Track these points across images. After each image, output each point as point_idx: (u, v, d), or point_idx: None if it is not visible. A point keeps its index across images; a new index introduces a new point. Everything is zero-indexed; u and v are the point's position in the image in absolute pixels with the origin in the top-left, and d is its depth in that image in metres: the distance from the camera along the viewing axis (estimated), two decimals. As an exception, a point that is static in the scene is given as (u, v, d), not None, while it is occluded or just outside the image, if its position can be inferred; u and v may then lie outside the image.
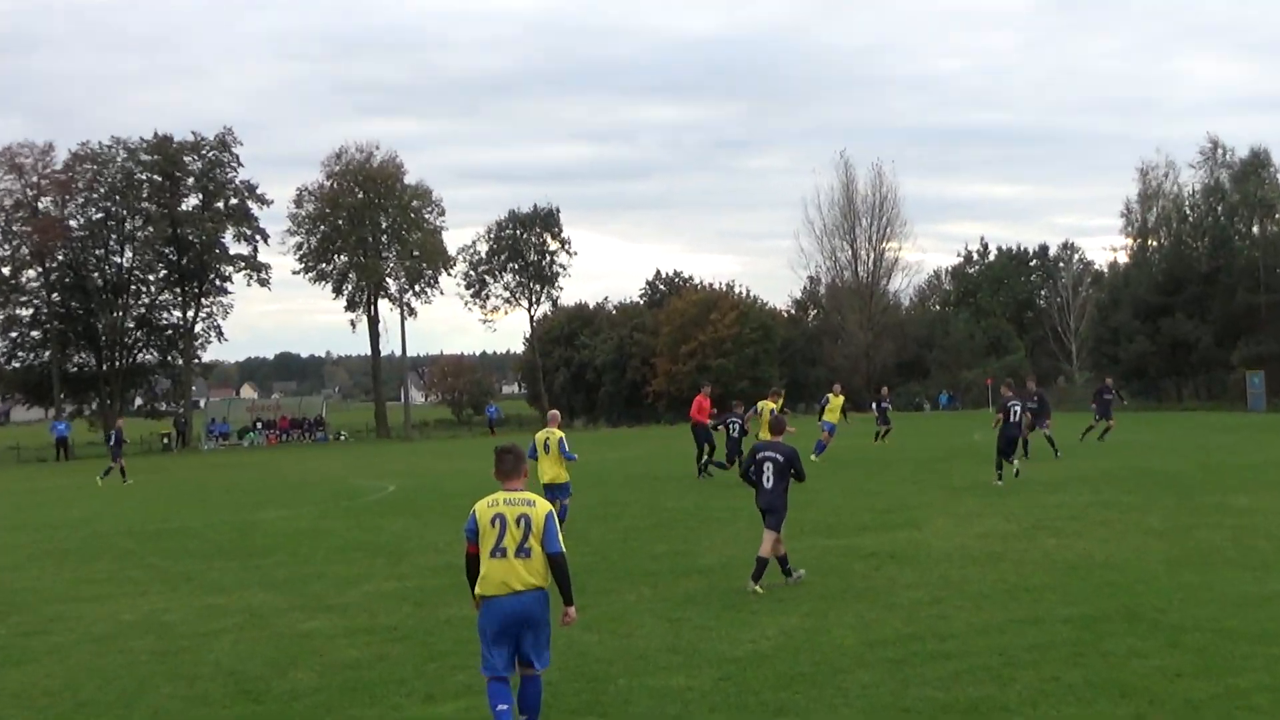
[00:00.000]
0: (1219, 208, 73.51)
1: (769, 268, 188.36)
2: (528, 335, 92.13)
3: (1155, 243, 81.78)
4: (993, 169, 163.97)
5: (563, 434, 17.78)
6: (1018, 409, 24.06)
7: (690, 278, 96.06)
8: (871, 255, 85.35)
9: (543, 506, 7.77)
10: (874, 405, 41.60)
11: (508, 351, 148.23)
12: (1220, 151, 78.50)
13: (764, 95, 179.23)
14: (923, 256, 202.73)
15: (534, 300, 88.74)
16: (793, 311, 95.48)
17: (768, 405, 25.41)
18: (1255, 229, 72.06)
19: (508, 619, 7.61)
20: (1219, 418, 52.26)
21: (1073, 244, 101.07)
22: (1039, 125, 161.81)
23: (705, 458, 26.71)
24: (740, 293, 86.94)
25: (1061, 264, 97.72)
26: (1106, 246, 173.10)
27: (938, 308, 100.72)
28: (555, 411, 19.55)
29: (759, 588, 12.65)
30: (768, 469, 12.98)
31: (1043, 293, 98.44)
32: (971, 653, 9.67)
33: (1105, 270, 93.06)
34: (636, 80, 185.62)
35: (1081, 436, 34.86)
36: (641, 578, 13.93)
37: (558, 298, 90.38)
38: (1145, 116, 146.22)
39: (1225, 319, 68.70)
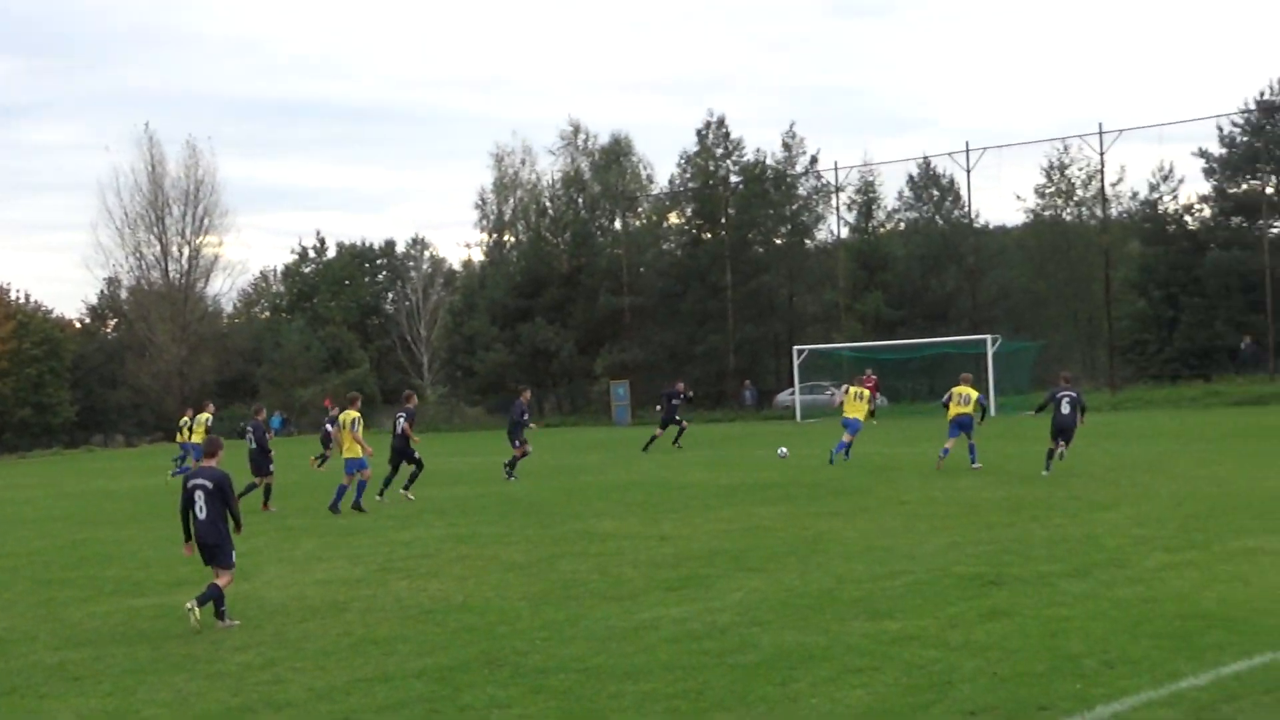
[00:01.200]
0: (580, 200, 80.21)
1: (57, 267, 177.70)
2: None
3: (513, 238, 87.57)
4: (332, 150, 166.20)
5: None
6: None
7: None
8: (186, 252, 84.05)
9: None
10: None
11: None
12: (582, 137, 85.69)
13: (42, 50, 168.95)
14: (249, 254, 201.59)
15: None
16: (88, 321, 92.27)
17: (349, 415, 25.72)
18: (618, 224, 79.47)
19: None
20: (581, 433, 56.80)
21: (424, 239, 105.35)
22: (385, 101, 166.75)
23: None
24: (18, 299, 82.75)
25: (411, 263, 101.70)
26: (462, 243, 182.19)
27: (267, 314, 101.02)
28: None
29: (234, 620, 13.76)
30: (199, 498, 13.84)
31: (390, 296, 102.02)
32: (312, 721, 9.81)
33: (461, 270, 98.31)
34: None
35: (645, 446, 38.67)
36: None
37: None
38: (501, 94, 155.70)
39: (588, 325, 74.97)
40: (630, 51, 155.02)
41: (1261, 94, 62.16)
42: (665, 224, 78.79)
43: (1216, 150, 63.20)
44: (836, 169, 69.45)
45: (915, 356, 61.05)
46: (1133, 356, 62.59)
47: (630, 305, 72.66)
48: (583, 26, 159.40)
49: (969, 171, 64.32)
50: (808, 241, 76.53)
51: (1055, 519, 18.94)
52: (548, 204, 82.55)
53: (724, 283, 69.89)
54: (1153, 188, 66.47)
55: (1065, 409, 26.33)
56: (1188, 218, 65.09)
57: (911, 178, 74.31)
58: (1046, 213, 74.73)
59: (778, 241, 75.23)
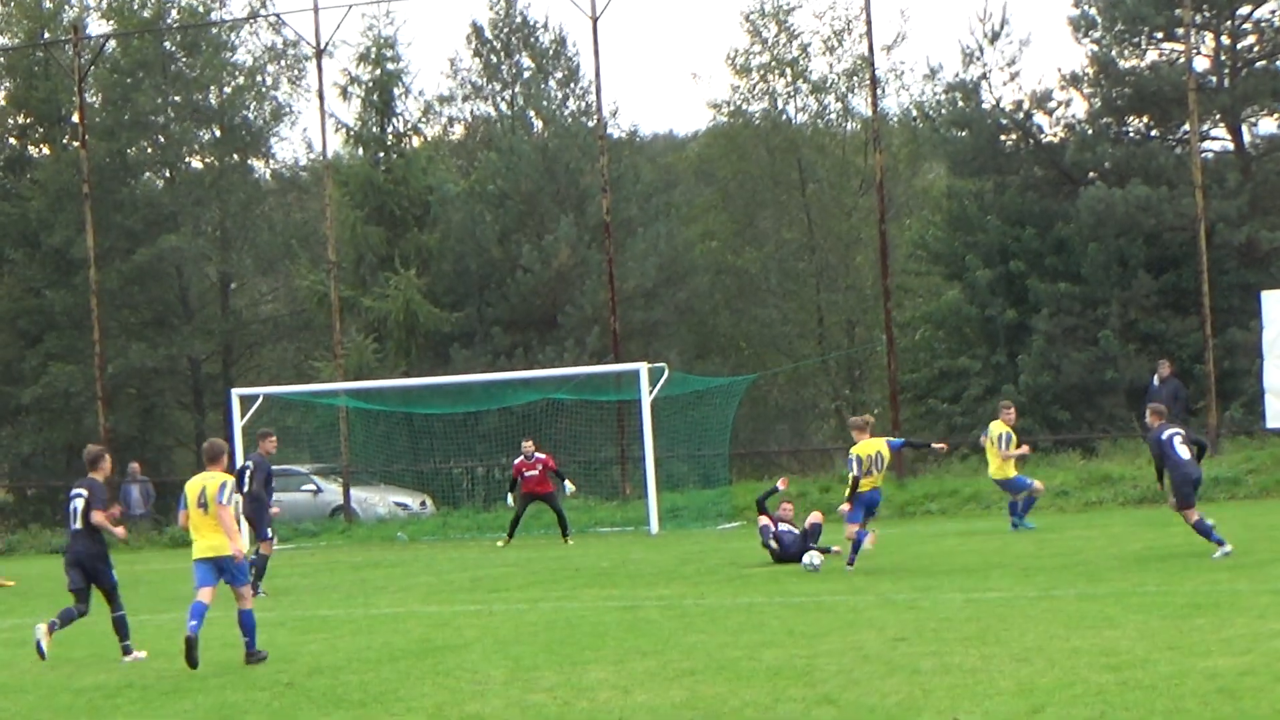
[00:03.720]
0: None
1: None
2: None
3: None
4: None
5: None
6: None
7: None
8: None
9: None
10: None
11: None
12: None
13: None
14: None
15: None
16: None
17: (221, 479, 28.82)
18: None
19: None
20: None
21: None
22: None
23: None
24: None
25: None
26: None
27: None
28: None
29: None
30: None
31: None
32: None
33: None
34: None
35: None
36: None
37: None
38: None
39: None
40: None
41: None
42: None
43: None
44: (317, 12, 65.08)
45: (488, 409, 61.09)
46: (938, 401, 64.62)
47: None
48: None
49: (595, 20, 62.43)
50: (259, 164, 76.55)
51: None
52: None
53: (80, 251, 69.03)
54: (968, 57, 68.33)
55: (1185, 453, 34.78)
56: (1040, 120, 67.24)
57: (478, 31, 74.68)
58: (754, 107, 77.20)
59: (195, 164, 74.87)
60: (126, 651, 29.51)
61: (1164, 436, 34.81)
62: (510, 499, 53.15)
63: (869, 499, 36.73)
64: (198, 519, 27.54)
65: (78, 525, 29.84)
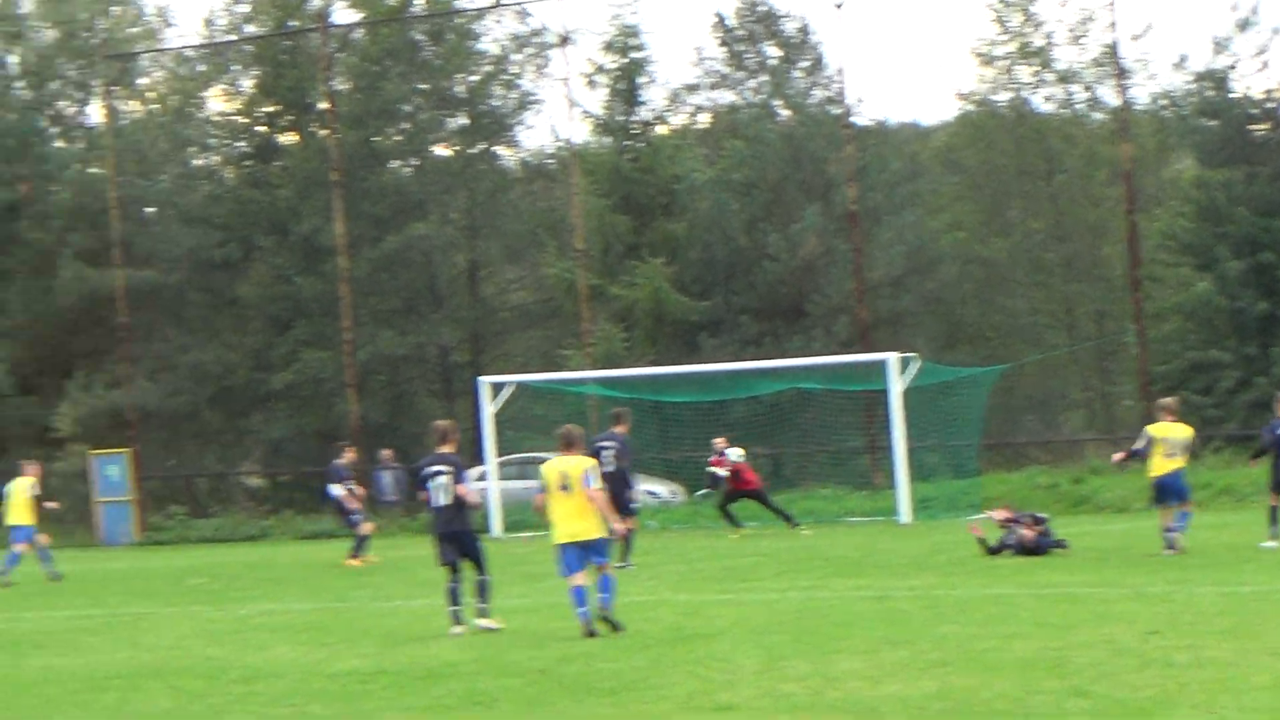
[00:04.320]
0: (14, 61, 78.45)
1: None
2: None
3: None
4: None
5: None
6: None
7: None
8: None
9: None
10: None
11: None
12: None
13: None
14: None
15: None
16: None
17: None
18: (97, 113, 77.46)
19: None
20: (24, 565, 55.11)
21: None
22: None
23: None
24: None
25: None
26: None
27: None
28: None
29: None
30: None
31: None
32: None
33: None
34: None
35: None
36: None
37: None
38: None
39: (40, 330, 73.18)
40: None
41: None
42: (199, 113, 77.78)
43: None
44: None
45: (736, 398, 60.94)
46: (1190, 393, 63.20)
47: (134, 286, 71.30)
48: None
49: (839, 7, 64.90)
50: (506, 152, 76.65)
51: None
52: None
53: (329, 239, 69.59)
54: (1218, 46, 67.79)
55: None
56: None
57: (722, 20, 74.45)
58: (999, 96, 77.86)
59: (444, 151, 74.94)
60: (482, 614, 31.12)
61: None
62: (711, 493, 53.84)
63: (1164, 483, 37.63)
64: (560, 502, 28.93)
65: (446, 501, 30.94)
